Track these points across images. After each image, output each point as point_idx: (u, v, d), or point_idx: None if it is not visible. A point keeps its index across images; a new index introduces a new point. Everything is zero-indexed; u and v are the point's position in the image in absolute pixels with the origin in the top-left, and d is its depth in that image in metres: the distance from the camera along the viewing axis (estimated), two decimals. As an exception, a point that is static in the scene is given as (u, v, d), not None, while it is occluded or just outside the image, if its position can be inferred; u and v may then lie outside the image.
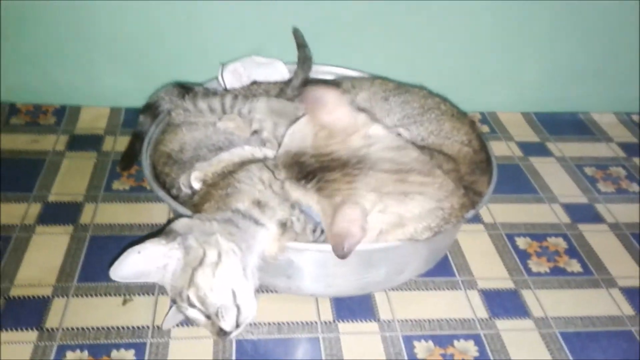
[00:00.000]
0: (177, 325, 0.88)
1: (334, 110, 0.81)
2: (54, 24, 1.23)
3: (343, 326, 0.91)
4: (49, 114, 1.33)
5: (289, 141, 0.83)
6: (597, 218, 1.17)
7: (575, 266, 1.06)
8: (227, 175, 0.85)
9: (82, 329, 0.87)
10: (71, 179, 1.15)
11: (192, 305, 0.75)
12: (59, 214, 1.07)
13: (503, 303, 0.97)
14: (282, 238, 0.82)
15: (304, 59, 1.22)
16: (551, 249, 1.09)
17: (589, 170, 1.31)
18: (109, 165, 1.20)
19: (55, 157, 1.21)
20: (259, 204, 0.82)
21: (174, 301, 0.78)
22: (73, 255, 0.99)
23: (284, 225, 0.82)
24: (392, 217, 0.81)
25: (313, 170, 0.79)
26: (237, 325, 0.77)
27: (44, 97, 1.33)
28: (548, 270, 1.04)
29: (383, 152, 0.81)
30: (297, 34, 1.25)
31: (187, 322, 0.85)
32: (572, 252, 1.08)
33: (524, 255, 1.07)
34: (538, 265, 1.05)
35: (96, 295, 0.93)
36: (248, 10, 1.25)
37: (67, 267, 0.96)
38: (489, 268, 1.04)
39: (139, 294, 0.93)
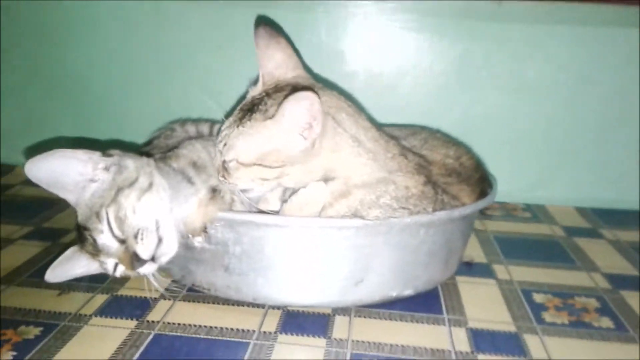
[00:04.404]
0: (98, 315, 0.80)
1: (286, 46, 0.80)
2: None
3: (284, 337, 0.77)
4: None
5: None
6: (649, 288, 0.94)
7: (606, 323, 0.83)
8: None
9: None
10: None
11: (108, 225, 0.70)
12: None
13: (494, 341, 0.77)
14: (209, 204, 0.75)
15: None
16: (577, 306, 0.87)
17: (648, 253, 1.08)
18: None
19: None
20: (194, 164, 0.78)
21: (83, 228, 0.72)
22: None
23: (214, 192, 0.76)
24: (338, 185, 0.73)
25: (260, 99, 0.75)
26: (154, 259, 0.70)
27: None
28: (566, 322, 0.83)
29: (337, 92, 0.78)
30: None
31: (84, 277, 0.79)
32: (604, 311, 0.86)
33: (539, 307, 0.87)
34: (554, 317, 0.84)
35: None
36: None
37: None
38: (488, 312, 0.85)
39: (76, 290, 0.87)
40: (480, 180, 0.89)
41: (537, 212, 1.27)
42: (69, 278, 0.78)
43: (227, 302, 0.84)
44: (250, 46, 1.26)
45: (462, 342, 0.77)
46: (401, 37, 1.27)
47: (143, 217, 0.70)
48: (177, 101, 1.34)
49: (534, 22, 1.22)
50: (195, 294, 0.86)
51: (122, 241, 0.70)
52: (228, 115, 0.78)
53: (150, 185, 0.71)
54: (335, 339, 0.76)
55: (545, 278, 0.96)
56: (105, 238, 0.70)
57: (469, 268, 0.98)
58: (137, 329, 0.77)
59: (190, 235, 0.77)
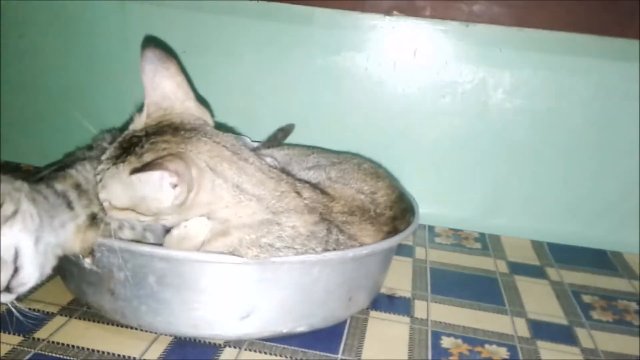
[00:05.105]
0: None
1: (176, 73, 0.77)
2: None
3: (162, 368, 0.75)
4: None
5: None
6: (570, 341, 0.90)
7: (506, 377, 0.79)
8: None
9: None
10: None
11: None
12: None
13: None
14: (89, 231, 0.74)
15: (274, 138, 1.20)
16: (484, 355, 0.84)
17: (587, 298, 1.03)
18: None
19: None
20: (78, 187, 0.77)
21: None
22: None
23: (93, 218, 0.75)
24: (217, 224, 0.71)
25: (139, 139, 0.72)
26: (8, 289, 0.68)
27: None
28: (463, 373, 0.79)
29: (222, 135, 0.75)
30: (287, 130, 1.24)
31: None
32: (510, 364, 0.82)
33: (442, 353, 0.83)
34: (454, 365, 0.81)
35: None
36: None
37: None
38: (386, 354, 0.82)
39: None
40: (392, 219, 0.85)
41: (488, 243, 1.23)
42: None
43: (121, 324, 0.83)
44: (216, 53, 1.26)
45: (343, 387, 0.74)
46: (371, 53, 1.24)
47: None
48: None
49: (504, 47, 1.18)
50: (93, 313, 0.85)
51: None
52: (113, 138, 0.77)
53: (15, 212, 0.69)
54: (213, 374, 0.75)
55: (464, 320, 0.92)
56: None
57: (390, 302, 0.95)
58: (20, 346, 0.77)
59: (80, 256, 0.76)
